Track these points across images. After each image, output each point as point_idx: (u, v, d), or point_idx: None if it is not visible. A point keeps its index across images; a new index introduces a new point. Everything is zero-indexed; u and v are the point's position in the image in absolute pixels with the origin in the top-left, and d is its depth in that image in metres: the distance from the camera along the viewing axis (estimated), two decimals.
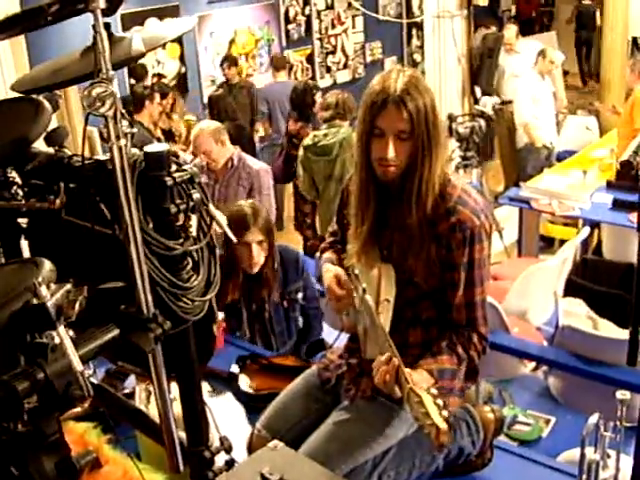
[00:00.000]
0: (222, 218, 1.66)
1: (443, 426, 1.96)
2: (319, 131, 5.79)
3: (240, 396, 3.27)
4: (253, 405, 3.15)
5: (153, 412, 2.43)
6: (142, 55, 1.51)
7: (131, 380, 3.24)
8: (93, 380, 2.18)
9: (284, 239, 7.45)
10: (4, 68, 4.50)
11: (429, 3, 7.77)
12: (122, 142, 1.40)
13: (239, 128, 7.03)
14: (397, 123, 2.35)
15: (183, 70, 8.92)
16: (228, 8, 9.34)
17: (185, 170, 1.53)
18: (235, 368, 3.40)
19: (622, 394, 2.23)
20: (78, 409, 2.84)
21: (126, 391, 3.19)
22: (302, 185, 6.05)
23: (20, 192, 1.86)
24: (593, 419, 2.23)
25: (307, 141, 5.86)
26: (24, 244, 1.90)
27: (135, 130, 1.48)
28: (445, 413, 1.97)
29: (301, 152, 5.91)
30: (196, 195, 1.56)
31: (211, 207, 1.66)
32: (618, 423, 2.23)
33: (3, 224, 1.88)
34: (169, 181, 1.49)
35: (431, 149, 2.39)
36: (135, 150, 1.51)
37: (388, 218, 2.51)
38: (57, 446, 1.59)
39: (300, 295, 3.80)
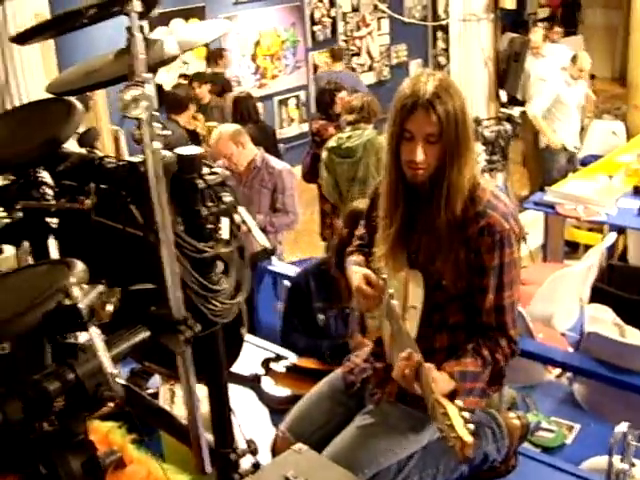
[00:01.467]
0: (252, 222, 1.66)
1: (468, 439, 1.94)
2: (343, 133, 5.78)
3: (264, 398, 3.28)
4: (277, 407, 3.15)
5: (177, 412, 2.44)
6: (175, 58, 1.52)
7: (155, 380, 3.24)
8: (120, 380, 2.20)
9: (305, 240, 7.47)
10: (33, 69, 4.53)
11: (455, 6, 7.75)
12: (156, 145, 1.41)
13: (262, 129, 7.04)
14: (426, 126, 2.34)
15: (209, 71, 8.93)
16: (254, 9, 9.35)
17: (217, 173, 1.53)
18: (260, 370, 3.40)
19: None
20: (104, 408, 2.85)
21: (150, 391, 3.20)
22: (324, 187, 6.04)
23: (50, 192, 1.87)
24: (621, 427, 2.21)
25: (331, 143, 5.85)
26: (52, 243, 1.91)
27: (169, 132, 1.48)
28: (471, 426, 1.95)
29: (325, 154, 5.90)
30: (227, 198, 1.56)
31: (241, 210, 1.67)
32: None
33: (32, 223, 1.90)
34: (201, 184, 1.50)
35: (460, 152, 2.38)
36: (167, 152, 1.52)
37: (417, 221, 2.49)
38: (84, 445, 1.60)
39: None
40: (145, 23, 1.50)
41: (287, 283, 4.79)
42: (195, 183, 1.50)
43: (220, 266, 1.61)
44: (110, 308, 1.38)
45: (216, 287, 1.57)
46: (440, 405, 2.04)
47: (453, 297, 2.51)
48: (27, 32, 1.36)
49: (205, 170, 1.55)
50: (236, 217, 1.66)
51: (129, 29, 1.41)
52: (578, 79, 7.59)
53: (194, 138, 7.08)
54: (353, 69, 10.55)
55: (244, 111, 6.66)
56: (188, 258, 1.52)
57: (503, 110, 7.78)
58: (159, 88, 8.33)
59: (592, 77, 8.40)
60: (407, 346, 2.32)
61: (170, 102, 7.03)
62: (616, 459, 2.23)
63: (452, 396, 2.22)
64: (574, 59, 7.51)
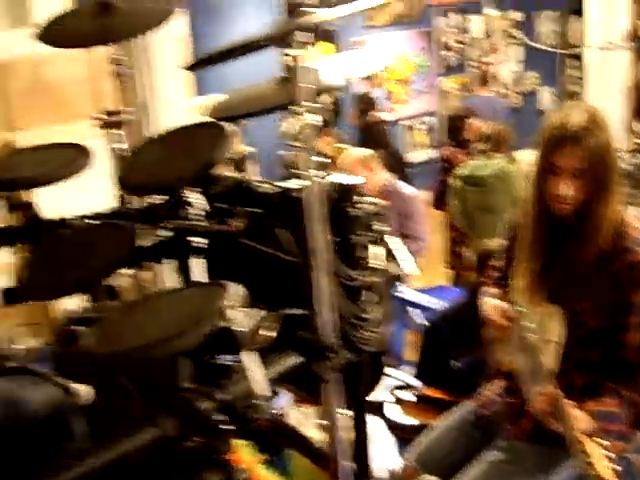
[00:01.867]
0: (401, 251, 1.66)
1: (607, 478, 1.88)
2: (475, 161, 5.71)
3: (391, 426, 3.27)
4: (403, 436, 3.13)
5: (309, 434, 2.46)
6: (337, 87, 1.53)
7: (282, 400, 3.27)
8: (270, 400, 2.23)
9: (430, 267, 7.40)
10: (173, 93, 4.68)
11: (592, 34, 7.59)
12: (317, 173, 1.43)
13: (393, 154, 7.05)
14: (574, 161, 2.30)
15: (339, 94, 9.02)
16: (384, 33, 9.39)
17: (375, 203, 1.54)
18: (388, 397, 3.39)
19: None
20: None
21: (276, 412, 3.23)
22: (454, 214, 5.98)
23: (198, 213, 1.92)
24: None
25: (462, 170, 5.78)
26: (194, 263, 1.96)
27: (329, 160, 1.50)
28: (618, 467, 1.89)
29: (455, 181, 5.85)
30: (379, 228, 1.56)
31: (389, 239, 1.67)
32: None
33: (180, 243, 1.95)
34: (358, 213, 1.51)
35: (608, 187, 2.33)
36: (326, 180, 1.53)
37: (560, 256, 2.44)
38: (223, 464, 1.63)
39: None
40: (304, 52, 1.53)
41: (417, 312, 4.76)
42: (351, 212, 1.52)
43: (368, 295, 1.62)
44: (267, 333, 1.40)
45: (366, 315, 1.57)
46: (580, 442, 1.99)
47: (594, 334, 2.45)
48: (199, 61, 1.40)
49: (357, 198, 1.56)
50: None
51: (290, 59, 1.44)
52: None
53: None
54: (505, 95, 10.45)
55: (375, 136, 6.67)
56: (341, 285, 1.53)
57: (637, 141, 7.54)
58: None
59: None
60: (544, 382, 2.27)
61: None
62: None
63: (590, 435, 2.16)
64: None
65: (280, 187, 1.65)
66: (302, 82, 1.40)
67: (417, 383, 3.51)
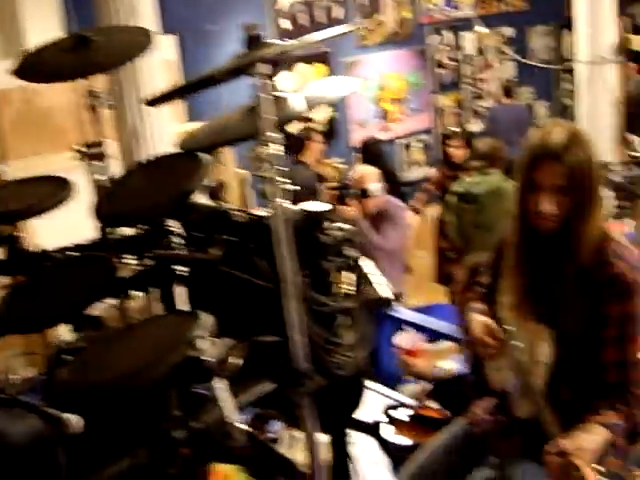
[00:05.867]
0: (377, 276, 1.68)
1: None
2: (471, 178, 5.71)
3: (385, 446, 3.26)
4: (397, 455, 3.13)
5: (296, 457, 2.46)
6: (303, 116, 1.55)
7: (277, 424, 3.27)
8: (242, 425, 2.24)
9: (427, 284, 7.41)
10: (163, 119, 4.71)
11: (582, 49, 7.63)
12: (282, 201, 1.44)
13: (389, 174, 7.08)
14: (555, 178, 2.31)
15: (334, 115, 9.06)
16: (377, 53, 9.44)
17: (344, 229, 1.55)
18: (381, 417, 3.39)
19: None
20: None
21: (271, 435, 3.23)
22: (450, 230, 5.99)
23: (179, 241, 1.93)
24: None
25: (457, 187, 5.79)
26: (178, 291, 1.98)
27: (298, 188, 1.52)
28: None
29: (451, 198, 5.86)
30: (350, 252, 1.58)
31: (364, 265, 1.68)
32: None
33: (161, 272, 1.96)
34: (327, 239, 1.52)
35: (589, 203, 2.34)
36: (293, 207, 1.55)
37: (544, 273, 2.45)
38: None
39: None
40: (273, 82, 1.55)
41: (409, 329, 4.77)
42: (320, 238, 1.53)
43: (343, 320, 1.63)
44: (235, 361, 1.41)
45: (339, 340, 1.58)
46: (575, 468, 1.99)
47: (579, 349, 2.45)
48: (160, 97, 1.42)
49: (328, 224, 1.57)
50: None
51: (258, 90, 1.46)
52: None
53: (321, 181, 7.17)
54: (476, 112, 10.50)
55: (373, 155, 6.71)
56: (312, 311, 1.54)
57: (633, 154, 7.56)
58: (285, 133, 8.50)
59: None
60: (534, 401, 2.28)
61: (291, 144, 7.20)
62: None
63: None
64: None
65: (253, 215, 1.67)
66: (266, 112, 1.42)
67: (410, 402, 3.51)
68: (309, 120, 8.33)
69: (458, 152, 6.74)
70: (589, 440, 2.22)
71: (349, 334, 1.61)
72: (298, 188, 1.53)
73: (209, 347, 1.36)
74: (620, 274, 2.33)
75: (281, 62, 1.78)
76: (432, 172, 7.27)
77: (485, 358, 2.67)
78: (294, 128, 8.28)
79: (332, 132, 9.03)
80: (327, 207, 1.54)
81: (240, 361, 1.43)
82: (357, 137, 8.22)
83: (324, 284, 1.57)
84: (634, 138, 7.79)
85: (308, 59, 8.51)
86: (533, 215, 2.38)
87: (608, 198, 6.78)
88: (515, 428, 2.53)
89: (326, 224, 1.56)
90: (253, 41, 1.34)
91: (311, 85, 1.78)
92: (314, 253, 1.54)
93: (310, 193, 6.61)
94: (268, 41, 1.34)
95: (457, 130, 7.61)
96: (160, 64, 4.88)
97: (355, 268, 1.62)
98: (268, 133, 1.41)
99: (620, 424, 2.33)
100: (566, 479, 2.14)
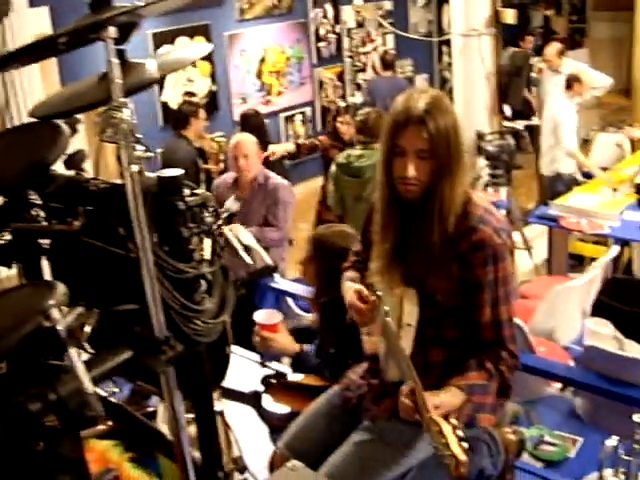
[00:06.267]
0: (248, 237, 1.68)
1: (462, 458, 1.95)
2: (354, 151, 5.74)
3: (263, 415, 3.29)
4: (276, 424, 3.16)
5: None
6: (156, 81, 1.54)
7: (155, 398, 3.26)
8: (113, 399, 2.21)
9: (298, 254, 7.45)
10: (34, 90, 4.56)
11: (457, 22, 7.78)
12: (134, 168, 1.43)
13: (268, 146, 7.09)
14: (418, 142, 2.36)
15: (214, 88, 8.99)
16: (258, 26, 9.41)
17: (197, 194, 1.55)
18: (260, 387, 3.41)
19: (639, 417, 2.21)
20: (101, 427, 2.87)
21: (150, 410, 3.21)
22: (330, 199, 6.03)
23: (42, 214, 1.89)
24: (611, 441, 2.21)
25: (340, 159, 5.83)
26: (45, 265, 1.94)
27: (152, 154, 1.51)
28: (465, 444, 1.96)
29: (333, 169, 5.89)
30: (209, 219, 1.58)
31: (225, 231, 1.69)
32: (636, 445, 2.20)
33: (24, 245, 1.92)
34: (182, 205, 1.52)
35: (452, 169, 2.40)
36: (149, 174, 1.54)
37: (410, 237, 2.50)
38: (75, 465, 1.61)
39: None
40: (143, 40, 1.52)
41: (289, 300, 4.80)
42: (176, 205, 1.52)
43: (204, 286, 1.63)
44: (88, 329, 1.40)
45: (198, 307, 1.58)
46: (435, 423, 2.05)
47: (447, 312, 2.52)
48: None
49: (186, 192, 1.57)
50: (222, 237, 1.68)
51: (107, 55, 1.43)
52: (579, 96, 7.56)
53: (201, 156, 7.13)
54: (358, 85, 10.59)
55: (253, 128, 6.67)
56: (170, 279, 1.54)
57: (507, 124, 7.79)
58: (165, 106, 8.41)
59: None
60: (403, 363, 2.33)
61: (174, 119, 7.17)
62: (608, 472, 2.23)
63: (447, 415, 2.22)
64: (577, 80, 7.44)
65: (110, 183, 1.65)
66: (117, 78, 1.40)
67: (287, 370, 3.53)
68: (191, 95, 8.26)
69: (346, 128, 6.80)
70: (446, 401, 2.30)
71: (209, 301, 1.61)
72: (152, 154, 1.52)
73: (64, 317, 1.34)
74: (485, 239, 2.41)
75: (134, 25, 1.74)
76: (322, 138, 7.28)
77: (359, 324, 2.72)
78: (175, 103, 8.21)
79: (213, 106, 8.97)
80: (178, 172, 1.52)
81: (89, 328, 1.41)
82: (240, 111, 8.17)
83: (183, 251, 1.56)
84: (507, 108, 8.02)
85: (190, 33, 8.42)
86: (398, 181, 2.43)
87: (482, 167, 6.98)
88: (386, 391, 2.59)
89: (185, 191, 1.56)
90: (99, 3, 1.31)
91: (163, 51, 1.75)
92: (171, 219, 1.53)
93: (191, 167, 6.56)
94: (117, 4, 1.32)
95: (344, 105, 7.68)
96: (33, 37, 4.73)
97: (214, 234, 1.62)
98: (119, 99, 1.39)
99: (483, 384, 2.42)
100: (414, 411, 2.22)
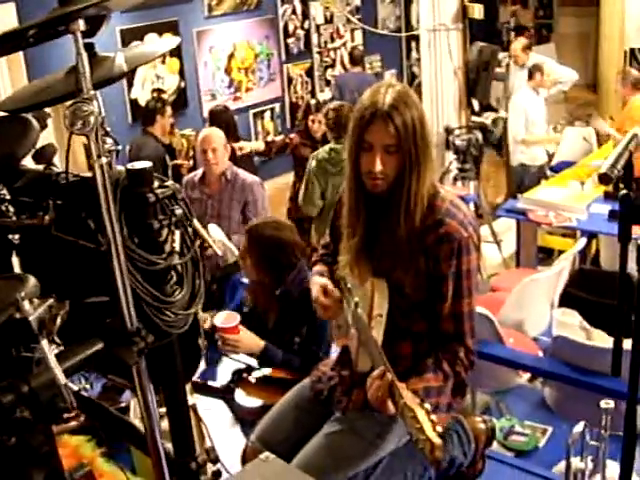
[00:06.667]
0: (218, 233, 1.69)
1: (437, 441, 1.97)
2: (338, 145, 5.69)
3: (235, 409, 3.30)
4: (248, 418, 3.18)
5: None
6: (124, 74, 1.54)
7: (127, 393, 3.26)
8: (85, 394, 2.22)
9: None
10: (1, 85, 4.53)
11: (425, 17, 7.83)
12: (103, 160, 1.44)
13: (238, 142, 7.09)
14: (384, 137, 2.38)
15: (183, 85, 8.97)
16: (227, 23, 9.39)
17: (167, 186, 1.56)
18: (231, 381, 3.43)
19: (606, 403, 2.25)
20: (73, 423, 2.87)
21: (122, 405, 3.22)
22: (309, 197, 5.94)
23: (11, 208, 1.88)
24: (578, 428, 2.25)
25: (323, 154, 5.80)
26: (15, 260, 1.93)
27: (119, 147, 1.51)
28: (439, 428, 1.98)
29: (313, 164, 5.83)
30: (179, 211, 1.59)
31: (195, 222, 1.69)
32: (603, 432, 2.25)
33: None
34: (151, 197, 1.52)
35: (419, 163, 2.42)
36: (120, 167, 1.55)
37: (379, 230, 2.53)
38: (47, 459, 1.62)
39: None
40: (112, 36, 1.53)
41: None
42: (145, 197, 1.53)
43: (175, 278, 1.64)
44: (59, 321, 1.41)
45: (169, 298, 1.59)
46: (409, 409, 2.07)
47: (415, 305, 2.55)
48: None
49: (156, 184, 1.57)
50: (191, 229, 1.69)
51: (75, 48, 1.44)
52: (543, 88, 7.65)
53: (170, 152, 7.12)
54: (328, 81, 10.61)
55: (222, 124, 6.65)
56: (140, 270, 1.55)
57: (474, 119, 7.85)
58: (134, 103, 8.37)
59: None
60: (374, 354, 2.35)
61: (142, 115, 7.19)
62: (575, 460, 2.27)
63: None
64: (539, 70, 7.55)
65: (80, 176, 1.65)
66: (86, 71, 1.40)
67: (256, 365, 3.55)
68: (161, 91, 8.24)
69: (317, 126, 6.82)
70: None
71: (180, 292, 1.62)
72: (120, 147, 1.53)
73: (35, 308, 1.34)
74: (451, 232, 2.44)
75: (103, 18, 1.75)
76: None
77: (325, 318, 2.75)
78: (144, 100, 8.18)
79: (183, 102, 8.95)
80: (147, 164, 1.53)
81: (59, 320, 1.42)
82: (209, 107, 8.16)
83: (153, 242, 1.57)
84: (475, 103, 8.08)
85: (158, 29, 8.39)
86: (366, 175, 2.45)
87: (451, 161, 7.04)
88: (357, 381, 2.61)
89: (155, 183, 1.56)
90: None
91: (131, 45, 1.76)
92: (141, 211, 1.54)
93: (158, 164, 6.54)
94: None
95: (314, 102, 7.72)
96: None
97: (186, 226, 1.63)
98: (88, 91, 1.40)
99: (439, 386, 2.45)
100: (387, 400, 2.24)
